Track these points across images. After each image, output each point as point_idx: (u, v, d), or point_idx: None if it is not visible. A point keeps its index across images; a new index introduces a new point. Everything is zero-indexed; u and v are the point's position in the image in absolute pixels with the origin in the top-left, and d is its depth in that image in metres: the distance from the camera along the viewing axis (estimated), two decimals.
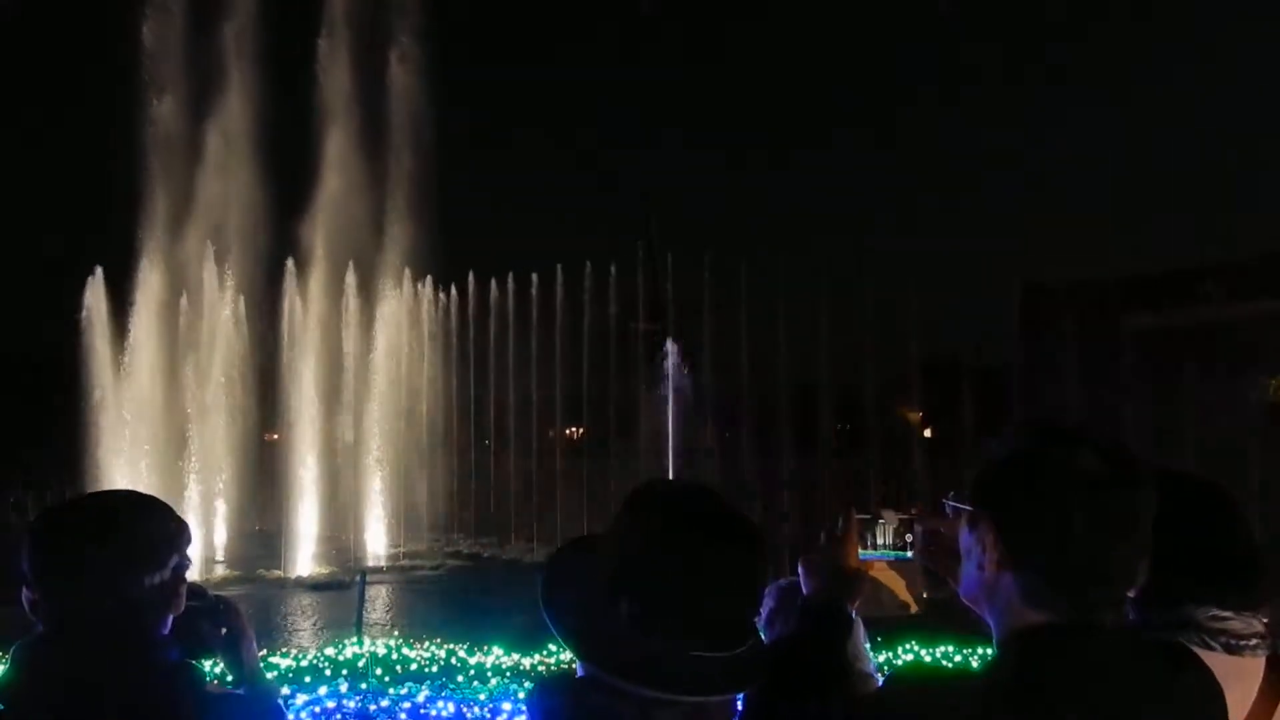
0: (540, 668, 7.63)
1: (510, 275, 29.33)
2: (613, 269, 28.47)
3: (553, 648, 8.03)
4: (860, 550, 1.71)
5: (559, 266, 28.86)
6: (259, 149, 25.04)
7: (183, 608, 1.71)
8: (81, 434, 23.70)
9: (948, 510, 1.55)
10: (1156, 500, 1.34)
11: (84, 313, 24.14)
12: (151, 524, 1.68)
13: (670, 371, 26.09)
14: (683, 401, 25.93)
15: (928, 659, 7.61)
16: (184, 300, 24.31)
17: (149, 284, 24.08)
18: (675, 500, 1.43)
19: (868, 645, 1.75)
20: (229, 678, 1.96)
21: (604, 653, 1.31)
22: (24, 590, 1.65)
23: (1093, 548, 1.28)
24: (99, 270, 24.35)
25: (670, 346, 26.36)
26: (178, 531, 1.70)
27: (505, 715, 5.68)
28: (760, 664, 1.36)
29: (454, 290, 29.46)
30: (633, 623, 1.30)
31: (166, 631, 1.68)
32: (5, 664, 1.64)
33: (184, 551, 1.72)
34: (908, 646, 7.86)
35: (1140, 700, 1.27)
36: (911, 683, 1.37)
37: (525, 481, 27.60)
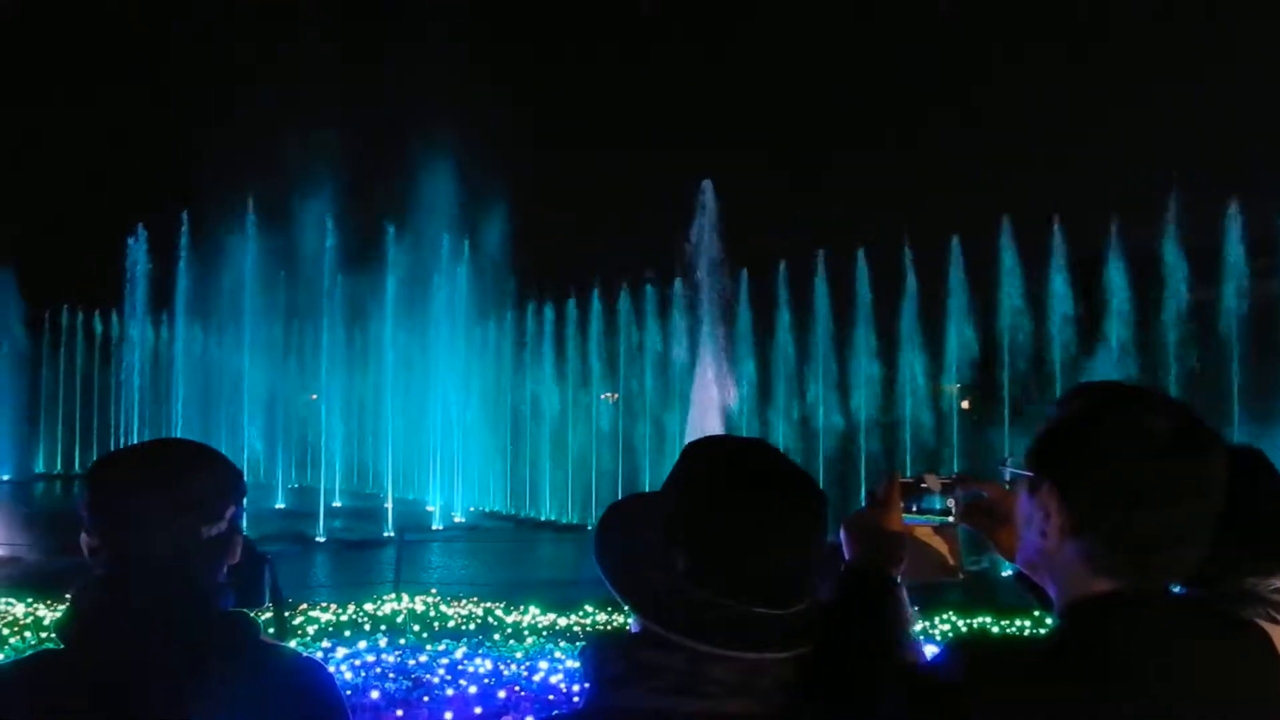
0: (576, 628, 7.69)
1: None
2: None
3: (589, 608, 8.08)
4: (904, 515, 1.68)
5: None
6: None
7: (238, 557, 1.72)
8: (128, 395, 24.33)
9: (1006, 476, 1.51)
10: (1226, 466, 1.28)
11: (130, 274, 24.74)
12: (209, 474, 1.69)
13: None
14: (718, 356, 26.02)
15: (964, 629, 7.60)
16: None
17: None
18: (733, 454, 1.39)
19: (916, 609, 1.71)
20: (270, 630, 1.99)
21: (656, 607, 1.29)
22: (83, 535, 1.67)
23: (1161, 513, 1.23)
24: (141, 231, 24.86)
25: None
26: (234, 482, 1.72)
27: (542, 674, 5.72)
28: (819, 624, 1.34)
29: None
30: (686, 577, 1.29)
31: (221, 580, 1.70)
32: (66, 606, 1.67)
33: (240, 502, 1.73)
34: (945, 616, 7.84)
35: (1205, 670, 1.23)
36: (972, 650, 1.33)
37: (560, 444, 27.84)
